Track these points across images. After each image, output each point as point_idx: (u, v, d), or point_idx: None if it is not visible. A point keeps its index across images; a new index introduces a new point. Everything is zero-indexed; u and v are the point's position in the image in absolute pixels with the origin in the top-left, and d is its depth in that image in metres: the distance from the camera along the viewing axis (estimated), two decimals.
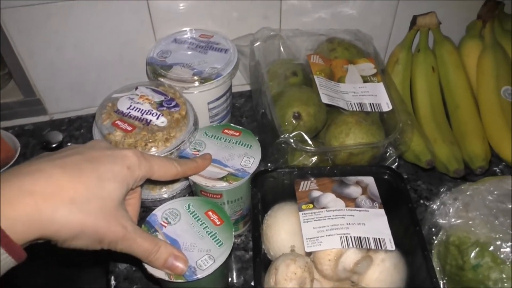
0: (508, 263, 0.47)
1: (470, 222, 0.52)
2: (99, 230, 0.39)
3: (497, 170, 0.72)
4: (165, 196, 0.62)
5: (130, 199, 0.47)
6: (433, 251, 0.56)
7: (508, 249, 0.47)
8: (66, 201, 0.37)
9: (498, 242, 0.48)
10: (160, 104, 0.59)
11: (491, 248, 0.48)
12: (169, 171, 0.48)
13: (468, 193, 0.54)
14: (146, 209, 0.64)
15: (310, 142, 0.61)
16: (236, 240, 0.65)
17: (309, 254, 0.52)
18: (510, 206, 0.50)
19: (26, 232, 0.35)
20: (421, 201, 0.69)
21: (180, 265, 0.46)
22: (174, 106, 0.59)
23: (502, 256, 0.47)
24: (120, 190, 0.41)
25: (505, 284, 0.47)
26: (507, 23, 0.79)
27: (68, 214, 0.37)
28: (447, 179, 0.70)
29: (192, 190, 0.61)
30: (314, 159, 0.61)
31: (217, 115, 0.70)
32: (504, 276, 0.47)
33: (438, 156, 0.67)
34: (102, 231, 0.39)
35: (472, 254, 0.50)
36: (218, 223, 0.51)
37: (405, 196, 0.56)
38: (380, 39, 0.83)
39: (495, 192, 0.52)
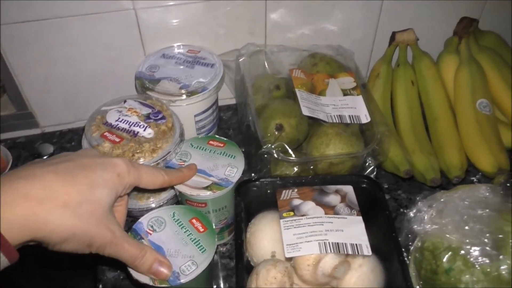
0: (477, 266, 0.49)
1: (443, 228, 0.54)
2: (89, 234, 0.41)
3: (474, 180, 0.75)
4: (152, 205, 0.64)
5: (117, 206, 0.49)
6: (410, 257, 0.58)
7: (477, 253, 0.49)
8: (59, 205, 0.39)
9: (468, 247, 0.50)
10: (148, 117, 0.61)
11: (462, 252, 0.50)
12: (156, 179, 0.50)
13: (442, 200, 0.57)
14: (133, 218, 0.65)
15: (291, 152, 0.63)
16: (221, 249, 0.67)
17: (289, 259, 0.54)
18: (480, 212, 0.53)
19: (21, 234, 0.37)
20: (401, 210, 0.71)
21: (164, 270, 0.48)
22: (161, 118, 0.61)
23: (472, 259, 0.50)
24: (110, 196, 0.43)
25: (476, 286, 0.49)
26: (481, 39, 0.82)
27: (61, 217, 0.39)
28: (426, 189, 0.73)
29: (178, 200, 0.63)
30: (296, 168, 0.64)
31: (203, 127, 0.73)
32: (475, 278, 0.50)
33: (416, 166, 0.69)
34: (91, 235, 0.41)
35: (445, 259, 0.52)
36: (201, 230, 0.53)
37: (382, 204, 0.58)
38: (362, 54, 0.87)
39: (467, 200, 0.55)
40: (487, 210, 0.52)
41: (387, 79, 0.81)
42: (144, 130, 0.59)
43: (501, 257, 0.49)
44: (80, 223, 0.40)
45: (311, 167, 0.64)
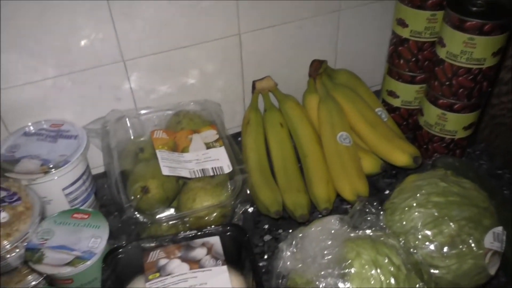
0: None
1: (301, 264, 0.56)
2: None
3: (348, 208, 0.79)
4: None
5: None
6: None
7: (324, 284, 0.52)
8: None
9: (320, 280, 0.53)
10: (2, 200, 0.60)
11: (314, 286, 0.53)
12: None
13: (300, 236, 0.60)
14: None
15: (159, 213, 0.64)
16: None
17: None
18: (329, 243, 0.56)
19: None
20: None
21: None
22: (16, 200, 0.60)
23: None
24: None
25: None
26: (336, 77, 0.89)
27: None
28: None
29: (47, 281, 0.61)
30: (167, 227, 0.65)
31: (76, 199, 0.72)
32: None
33: (286, 205, 0.73)
34: None
35: None
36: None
37: (247, 250, 0.61)
38: (236, 104, 0.91)
39: (320, 232, 0.58)
40: (334, 240, 0.56)
41: (257, 125, 0.85)
42: None
43: (347, 284, 0.52)
44: None
45: (180, 224, 0.65)
